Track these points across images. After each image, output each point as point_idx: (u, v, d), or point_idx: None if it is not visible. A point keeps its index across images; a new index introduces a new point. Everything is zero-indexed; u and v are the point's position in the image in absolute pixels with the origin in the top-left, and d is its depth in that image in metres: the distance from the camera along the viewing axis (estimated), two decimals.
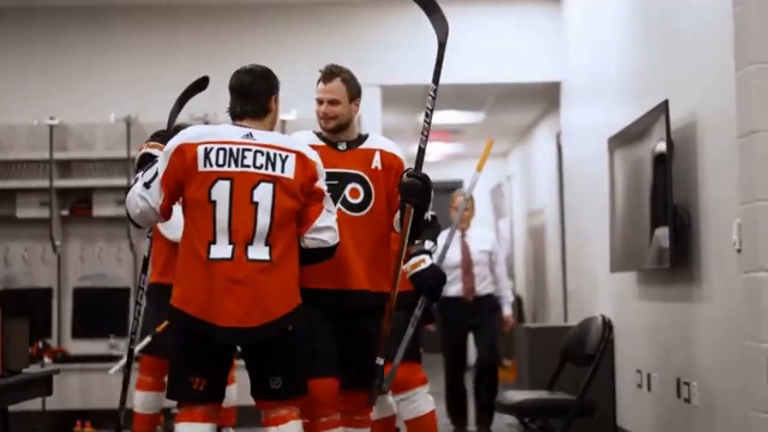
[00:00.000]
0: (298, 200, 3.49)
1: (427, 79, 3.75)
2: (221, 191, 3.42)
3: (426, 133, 3.77)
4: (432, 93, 3.76)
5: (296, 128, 7.70)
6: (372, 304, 3.79)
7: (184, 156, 3.44)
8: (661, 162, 5.02)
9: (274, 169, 3.46)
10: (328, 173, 3.64)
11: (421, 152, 3.76)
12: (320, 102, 3.89)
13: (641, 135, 5.43)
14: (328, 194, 3.60)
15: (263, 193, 3.44)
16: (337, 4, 8.33)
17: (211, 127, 3.65)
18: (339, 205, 3.73)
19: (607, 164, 6.19)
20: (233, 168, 3.43)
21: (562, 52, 7.99)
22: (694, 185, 4.80)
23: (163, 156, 3.50)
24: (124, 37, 8.23)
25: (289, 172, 3.47)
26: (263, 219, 3.42)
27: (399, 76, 8.08)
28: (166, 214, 3.53)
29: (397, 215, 3.81)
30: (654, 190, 5.17)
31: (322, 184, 3.57)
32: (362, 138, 3.93)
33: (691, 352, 4.95)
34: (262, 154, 3.46)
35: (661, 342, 5.46)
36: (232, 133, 3.50)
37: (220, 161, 3.43)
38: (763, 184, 3.49)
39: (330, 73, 3.90)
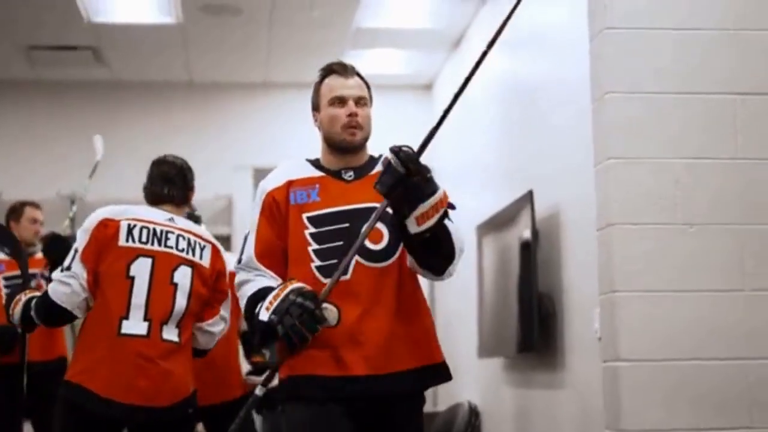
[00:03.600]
0: (209, 290, 3.55)
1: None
2: (142, 268, 3.43)
3: (449, 108, 2.68)
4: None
5: None
6: (415, 386, 2.79)
7: (106, 230, 3.45)
8: (527, 250, 5.12)
9: (194, 254, 3.52)
10: (331, 214, 2.75)
11: (432, 134, 2.71)
12: (342, 101, 2.79)
13: (508, 223, 5.53)
14: (228, 296, 3.59)
15: (183, 276, 3.48)
16: (208, 86, 8.33)
17: (132, 206, 3.65)
18: (356, 256, 2.69)
19: (475, 251, 6.28)
20: (156, 247, 3.46)
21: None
22: (558, 273, 4.90)
23: (82, 233, 3.48)
24: None
25: (206, 260, 3.55)
26: (181, 301, 3.45)
27: (271, 158, 8.09)
28: (93, 290, 3.43)
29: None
30: (520, 277, 5.26)
31: (227, 283, 3.58)
32: (374, 161, 2.88)
33: None
34: (184, 238, 3.52)
35: (528, 428, 5.50)
36: (155, 214, 3.56)
37: (143, 239, 3.46)
38: (620, 275, 3.57)
39: (350, 68, 2.87)
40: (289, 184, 2.80)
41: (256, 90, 8.40)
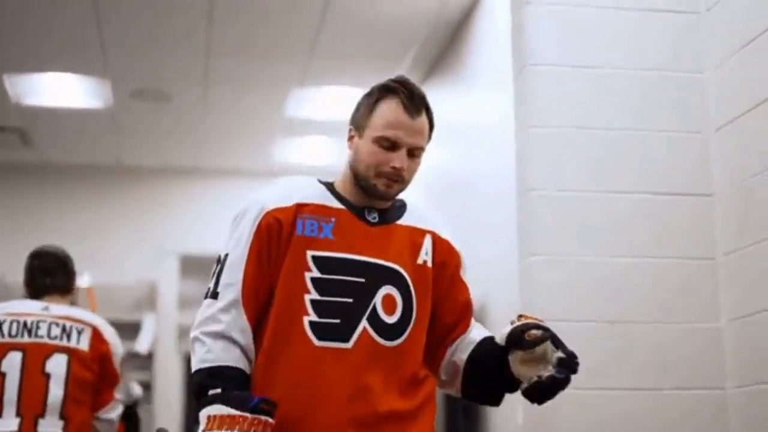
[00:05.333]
0: (93, 372, 3.49)
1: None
2: (12, 363, 3.37)
3: None
4: None
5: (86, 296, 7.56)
6: None
7: None
8: None
9: (69, 340, 3.46)
10: (345, 261, 2.14)
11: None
12: (394, 146, 2.16)
13: None
14: (120, 379, 3.57)
15: (56, 365, 3.41)
16: (137, 170, 8.30)
17: (10, 302, 3.64)
18: (364, 322, 2.12)
19: None
20: (26, 339, 3.41)
21: None
22: None
23: None
24: None
25: (84, 344, 3.49)
26: (55, 391, 3.38)
27: (198, 244, 8.05)
28: None
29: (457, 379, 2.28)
30: None
31: (117, 365, 3.54)
32: (400, 207, 2.30)
33: None
34: (58, 325, 3.46)
35: None
36: (29, 306, 3.52)
37: (13, 332, 3.41)
38: None
39: (418, 99, 2.18)
40: (299, 207, 2.15)
41: (186, 175, 8.37)
